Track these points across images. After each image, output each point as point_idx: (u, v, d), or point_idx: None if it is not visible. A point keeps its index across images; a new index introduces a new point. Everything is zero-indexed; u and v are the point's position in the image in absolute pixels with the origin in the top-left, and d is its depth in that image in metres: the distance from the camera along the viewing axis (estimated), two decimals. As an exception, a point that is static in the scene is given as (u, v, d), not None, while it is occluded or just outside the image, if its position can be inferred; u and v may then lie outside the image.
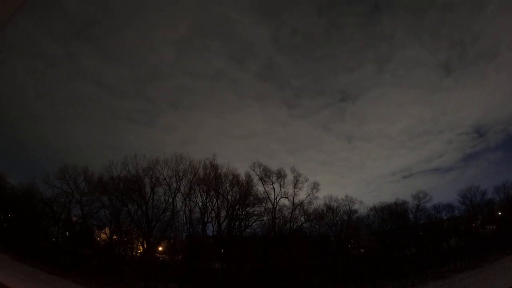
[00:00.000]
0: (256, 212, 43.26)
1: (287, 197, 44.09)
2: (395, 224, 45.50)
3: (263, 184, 44.08)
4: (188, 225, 41.45)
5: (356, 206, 45.25)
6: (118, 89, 45.89)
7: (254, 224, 43.27)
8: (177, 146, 39.95)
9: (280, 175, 44.32)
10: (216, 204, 41.89)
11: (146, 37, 44.12)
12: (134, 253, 40.65)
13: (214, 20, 41.80)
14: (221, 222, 41.72)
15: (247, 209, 42.95)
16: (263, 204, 43.47)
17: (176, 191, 41.68)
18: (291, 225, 43.84)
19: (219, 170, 43.03)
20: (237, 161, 40.24)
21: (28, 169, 39.37)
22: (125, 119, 45.85)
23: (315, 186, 44.26)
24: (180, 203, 41.54)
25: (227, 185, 42.98)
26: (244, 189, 43.15)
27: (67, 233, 42.22)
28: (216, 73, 44.04)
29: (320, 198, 44.52)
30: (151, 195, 41.23)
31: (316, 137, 43.83)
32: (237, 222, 42.48)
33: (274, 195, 43.94)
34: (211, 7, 40.95)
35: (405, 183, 41.12)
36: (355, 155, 44.00)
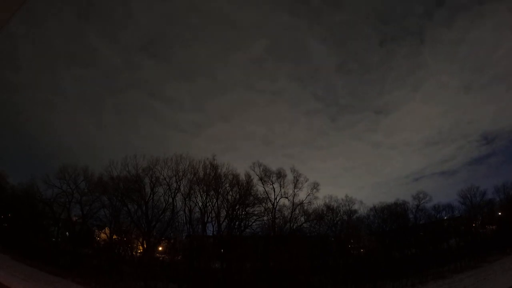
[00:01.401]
0: (256, 212, 43.31)
1: (287, 197, 44.18)
2: (395, 224, 45.52)
3: (263, 184, 44.19)
4: (188, 225, 41.51)
5: (356, 206, 45.39)
6: (175, 101, 50.49)
7: (254, 224, 43.35)
8: (218, 153, 42.83)
9: (280, 175, 44.38)
10: (216, 204, 41.93)
11: (218, 54, 48.63)
12: (134, 253, 40.64)
13: (290, 45, 47.75)
14: (221, 222, 41.73)
15: (247, 209, 42.97)
16: (263, 204, 43.56)
17: (176, 191, 41.75)
18: (291, 225, 43.86)
19: (219, 170, 43.12)
20: (272, 166, 43.66)
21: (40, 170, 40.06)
22: (174, 128, 50.16)
23: (315, 186, 44.35)
24: (180, 203, 41.63)
25: (227, 185, 43.05)
26: (244, 189, 43.16)
27: (67, 233, 42.22)
28: (277, 90, 49.54)
29: (320, 198, 44.65)
30: (151, 195, 41.30)
31: (349, 145, 49.76)
32: (237, 222, 42.49)
33: (274, 195, 44.05)
34: (290, 33, 46.55)
35: (415, 185, 46.06)
36: (378, 161, 49.68)
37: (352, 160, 50.45)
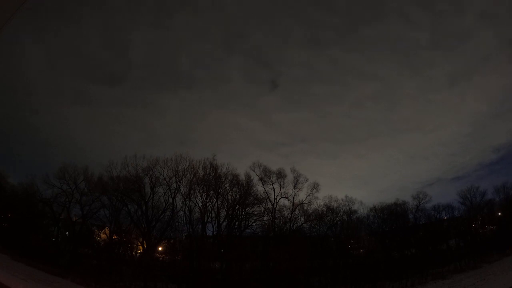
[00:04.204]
0: (256, 212, 43.33)
1: (287, 197, 44.17)
2: (395, 225, 45.56)
3: (263, 184, 44.17)
4: (188, 225, 41.59)
5: (356, 207, 45.36)
6: (271, 122, 56.88)
7: (253, 224, 43.35)
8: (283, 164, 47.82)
9: (280, 175, 44.39)
10: (216, 204, 41.97)
11: (334, 93, 55.74)
12: (134, 253, 40.69)
13: (391, 91, 56.27)
14: (221, 222, 41.79)
15: (247, 209, 43.00)
16: (263, 204, 43.54)
17: (176, 191, 41.76)
18: (291, 225, 43.90)
19: (219, 170, 43.10)
20: (317, 175, 48.01)
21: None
22: (253, 145, 56.19)
23: (315, 187, 44.32)
24: (180, 203, 41.64)
25: (227, 185, 43.05)
26: (244, 189, 43.20)
27: (67, 233, 42.21)
28: (363, 117, 57.75)
29: (320, 199, 44.60)
30: (151, 195, 41.30)
31: (391, 157, 57.99)
32: (236, 222, 42.52)
33: (274, 195, 44.04)
34: (398, 81, 55.11)
35: (428, 189, 49.83)
36: (407, 169, 57.73)
37: (387, 169, 58.26)
